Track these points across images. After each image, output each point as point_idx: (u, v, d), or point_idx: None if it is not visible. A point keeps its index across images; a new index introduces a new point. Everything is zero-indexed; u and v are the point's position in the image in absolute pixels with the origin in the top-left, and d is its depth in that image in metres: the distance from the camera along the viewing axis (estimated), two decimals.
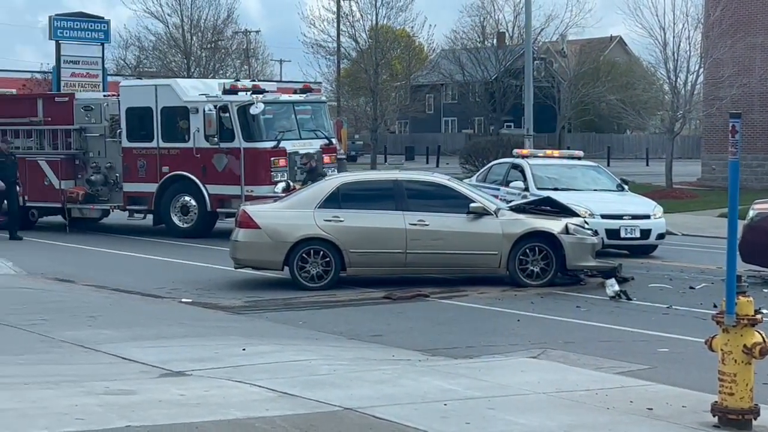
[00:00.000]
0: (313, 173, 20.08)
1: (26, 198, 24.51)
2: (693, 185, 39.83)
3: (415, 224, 15.89)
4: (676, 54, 36.68)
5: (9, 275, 17.09)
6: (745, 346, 7.57)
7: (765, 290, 15.51)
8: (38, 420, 7.50)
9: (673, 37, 36.60)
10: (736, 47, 36.84)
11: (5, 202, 23.72)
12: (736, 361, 7.60)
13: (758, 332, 7.61)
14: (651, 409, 8.32)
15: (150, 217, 23.79)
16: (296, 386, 8.78)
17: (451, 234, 15.92)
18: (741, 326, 7.58)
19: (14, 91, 30.80)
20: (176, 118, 22.95)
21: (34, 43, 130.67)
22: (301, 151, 22.76)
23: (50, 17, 35.48)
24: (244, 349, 10.66)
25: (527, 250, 15.93)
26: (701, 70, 37.39)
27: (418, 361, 10.52)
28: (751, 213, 16.80)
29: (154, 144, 23.18)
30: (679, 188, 37.03)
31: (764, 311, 7.65)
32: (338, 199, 16.15)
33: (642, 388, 9.19)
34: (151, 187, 23.20)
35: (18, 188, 23.31)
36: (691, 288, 16.08)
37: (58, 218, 24.60)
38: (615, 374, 9.91)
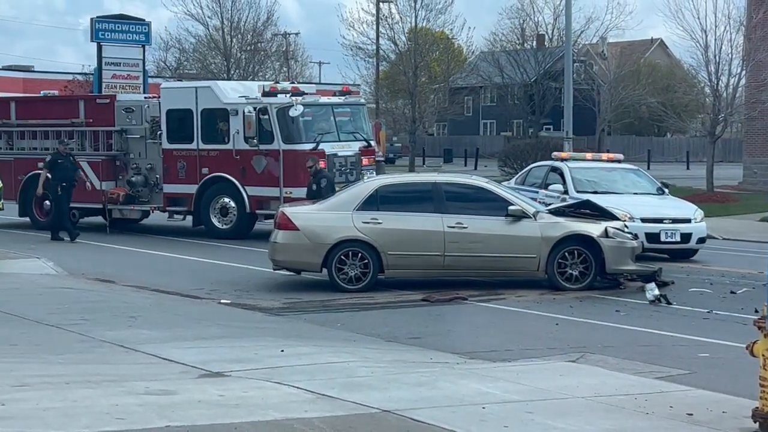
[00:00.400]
0: (317, 176, 19.86)
1: None
2: (734, 189, 39.49)
3: (453, 227, 15.88)
4: (717, 56, 36.41)
5: (50, 275, 17.26)
6: None
7: None
8: (80, 419, 7.57)
9: (715, 39, 36.32)
10: None
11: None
12: None
13: None
14: (691, 414, 8.26)
15: (189, 218, 23.93)
16: (334, 388, 8.80)
17: (490, 237, 15.89)
18: None
19: (56, 92, 31.03)
20: (216, 119, 23.08)
21: (75, 45, 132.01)
22: (340, 153, 22.84)
23: (92, 19, 35.78)
24: (282, 351, 10.70)
25: (566, 254, 15.87)
26: (743, 72, 37.05)
27: (456, 364, 10.51)
28: None
29: (194, 146, 23.32)
30: (720, 192, 36.73)
31: None
32: (377, 201, 16.17)
33: (682, 393, 9.13)
34: (191, 189, 23.34)
35: (87, 185, 23.48)
36: (732, 293, 15.94)
37: (99, 219, 24.79)
38: (654, 379, 9.86)
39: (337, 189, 19.03)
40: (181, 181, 23.55)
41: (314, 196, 18.86)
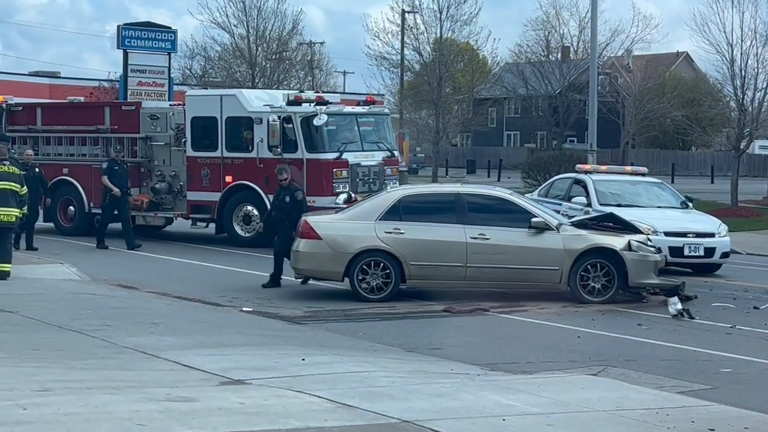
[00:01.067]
0: (291, 188, 18.95)
1: (92, 204, 24.88)
2: (759, 204, 39.28)
3: (476, 238, 15.87)
4: (743, 71, 36.29)
5: (74, 281, 17.35)
6: None
7: None
8: (101, 425, 7.60)
9: (741, 53, 36.23)
10: None
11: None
12: None
13: None
14: (713, 429, 8.22)
15: (212, 225, 24.00)
16: (355, 397, 8.80)
17: (512, 248, 15.87)
18: None
19: (82, 98, 31.16)
20: (240, 128, 23.15)
21: (101, 52, 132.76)
22: (363, 163, 22.87)
23: (119, 26, 36.04)
24: (303, 359, 10.71)
25: (589, 266, 15.83)
26: None
27: (477, 376, 10.50)
28: None
29: (218, 153, 23.40)
30: (745, 206, 36.55)
31: None
32: (399, 211, 16.18)
33: (704, 408, 9.09)
34: (215, 196, 23.42)
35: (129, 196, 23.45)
36: (756, 308, 15.86)
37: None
38: (676, 393, 9.81)
39: (359, 199, 18.99)
40: (204, 188, 23.62)
41: (290, 209, 17.73)
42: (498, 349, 12.46)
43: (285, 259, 17.16)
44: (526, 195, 21.05)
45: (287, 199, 17.82)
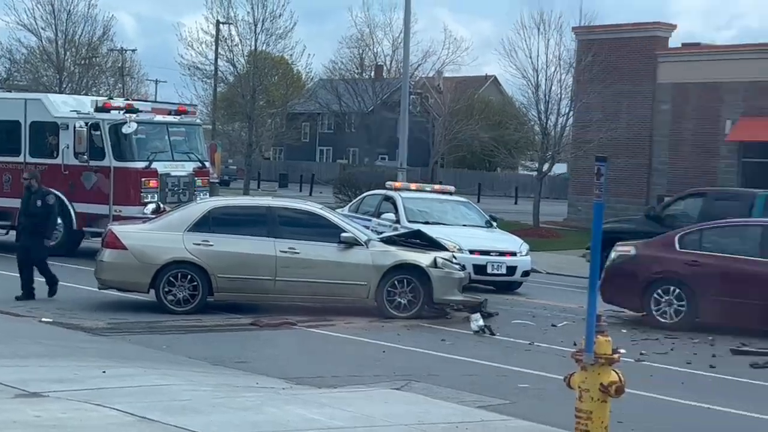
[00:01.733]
0: (41, 193, 18.11)
1: None
2: (559, 225, 40.69)
3: (285, 252, 15.87)
4: (547, 96, 37.63)
5: None
6: (601, 384, 7.73)
7: (623, 330, 15.94)
8: None
9: (546, 79, 37.58)
10: (605, 93, 38.01)
11: None
12: (592, 398, 7.75)
13: (615, 371, 7.79)
14: None
15: (13, 233, 23.13)
16: (156, 411, 8.64)
17: (322, 263, 15.95)
18: (599, 365, 7.74)
19: None
20: (45, 133, 22.53)
21: None
22: (173, 173, 22.56)
23: None
24: (104, 372, 10.46)
25: (396, 282, 16.07)
26: (571, 113, 38.36)
27: (282, 389, 10.48)
28: (612, 255, 17.25)
29: (20, 159, 22.65)
30: (546, 227, 37.79)
31: (622, 351, 7.83)
32: (209, 223, 16.04)
33: (502, 422, 9.33)
34: (17, 203, 22.55)
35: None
36: (553, 325, 16.41)
37: None
38: (476, 408, 10.03)
39: (168, 209, 18.73)
40: (6, 194, 22.83)
41: (40, 214, 17.06)
42: (304, 363, 12.48)
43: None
44: (337, 210, 21.20)
45: (39, 203, 17.19)
